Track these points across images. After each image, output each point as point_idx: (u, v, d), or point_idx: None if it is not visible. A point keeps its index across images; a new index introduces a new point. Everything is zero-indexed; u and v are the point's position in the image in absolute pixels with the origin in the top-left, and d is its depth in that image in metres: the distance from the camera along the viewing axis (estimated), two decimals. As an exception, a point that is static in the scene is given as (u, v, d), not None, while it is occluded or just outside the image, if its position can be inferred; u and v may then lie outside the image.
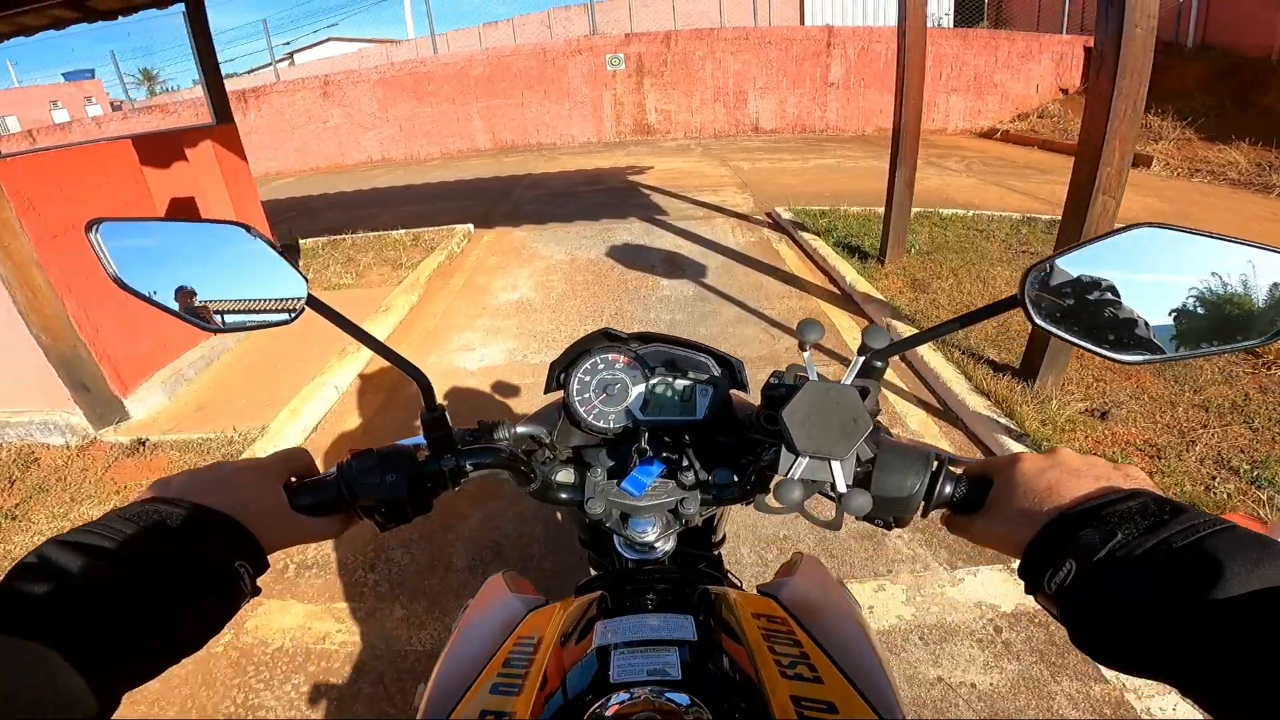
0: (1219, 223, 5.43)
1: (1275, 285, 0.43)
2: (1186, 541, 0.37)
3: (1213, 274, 0.44)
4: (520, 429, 0.69)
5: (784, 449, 0.51)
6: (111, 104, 22.86)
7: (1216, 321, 0.45)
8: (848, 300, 4.00)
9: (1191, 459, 2.31)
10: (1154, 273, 0.46)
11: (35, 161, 2.87)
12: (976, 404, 2.66)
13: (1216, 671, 0.33)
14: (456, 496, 0.82)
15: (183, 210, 3.76)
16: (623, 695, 0.47)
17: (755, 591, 0.71)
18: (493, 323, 3.92)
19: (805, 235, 5.02)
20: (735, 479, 0.65)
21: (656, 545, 0.70)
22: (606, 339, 0.73)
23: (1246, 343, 0.45)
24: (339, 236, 5.95)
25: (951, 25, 13.92)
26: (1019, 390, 2.72)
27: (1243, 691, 0.32)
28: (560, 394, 0.74)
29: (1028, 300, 0.49)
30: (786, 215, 5.58)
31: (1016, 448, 2.38)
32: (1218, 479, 2.19)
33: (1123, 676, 1.57)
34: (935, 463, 0.53)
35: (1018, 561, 0.46)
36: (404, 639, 1.83)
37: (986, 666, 1.65)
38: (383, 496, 0.57)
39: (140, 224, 0.53)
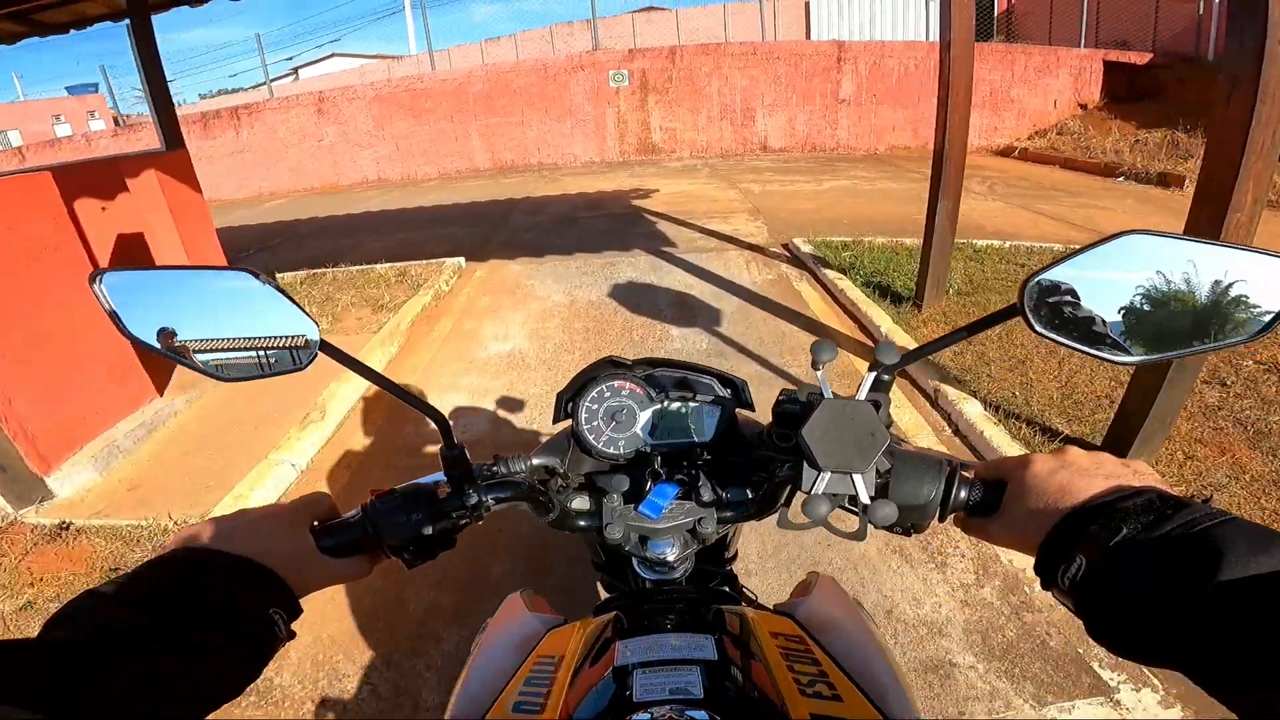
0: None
1: (1255, 284, 0.46)
2: (1188, 532, 0.38)
3: (1199, 275, 0.47)
4: (535, 460, 0.72)
5: (806, 465, 0.52)
6: (114, 119, 22.73)
7: (1204, 320, 0.48)
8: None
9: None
10: (1145, 277, 0.49)
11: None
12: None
13: (1219, 656, 0.35)
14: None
15: (126, 255, 3.31)
16: (644, 716, 0.47)
17: (772, 610, 0.72)
18: (479, 382, 3.44)
19: (829, 273, 4.54)
20: (749, 495, 0.67)
21: (676, 566, 0.70)
22: (612, 366, 0.74)
23: (1233, 339, 0.48)
24: (320, 270, 5.49)
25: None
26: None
27: (1244, 674, 0.34)
28: (568, 423, 0.75)
29: (1027, 309, 0.51)
30: (806, 248, 5.10)
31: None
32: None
33: None
34: (949, 469, 0.55)
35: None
36: None
37: None
38: (410, 535, 0.58)
39: (143, 273, 0.54)
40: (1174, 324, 0.48)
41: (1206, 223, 1.97)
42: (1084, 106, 11.97)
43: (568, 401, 0.75)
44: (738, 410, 0.74)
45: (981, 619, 1.85)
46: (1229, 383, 2.93)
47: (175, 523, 2.44)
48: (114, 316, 0.49)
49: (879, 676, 0.57)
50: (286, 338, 0.53)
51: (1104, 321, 0.50)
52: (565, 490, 0.70)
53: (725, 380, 0.74)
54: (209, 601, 0.43)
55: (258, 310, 0.53)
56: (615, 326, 4.04)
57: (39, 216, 2.71)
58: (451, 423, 0.61)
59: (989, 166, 9.78)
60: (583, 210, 7.76)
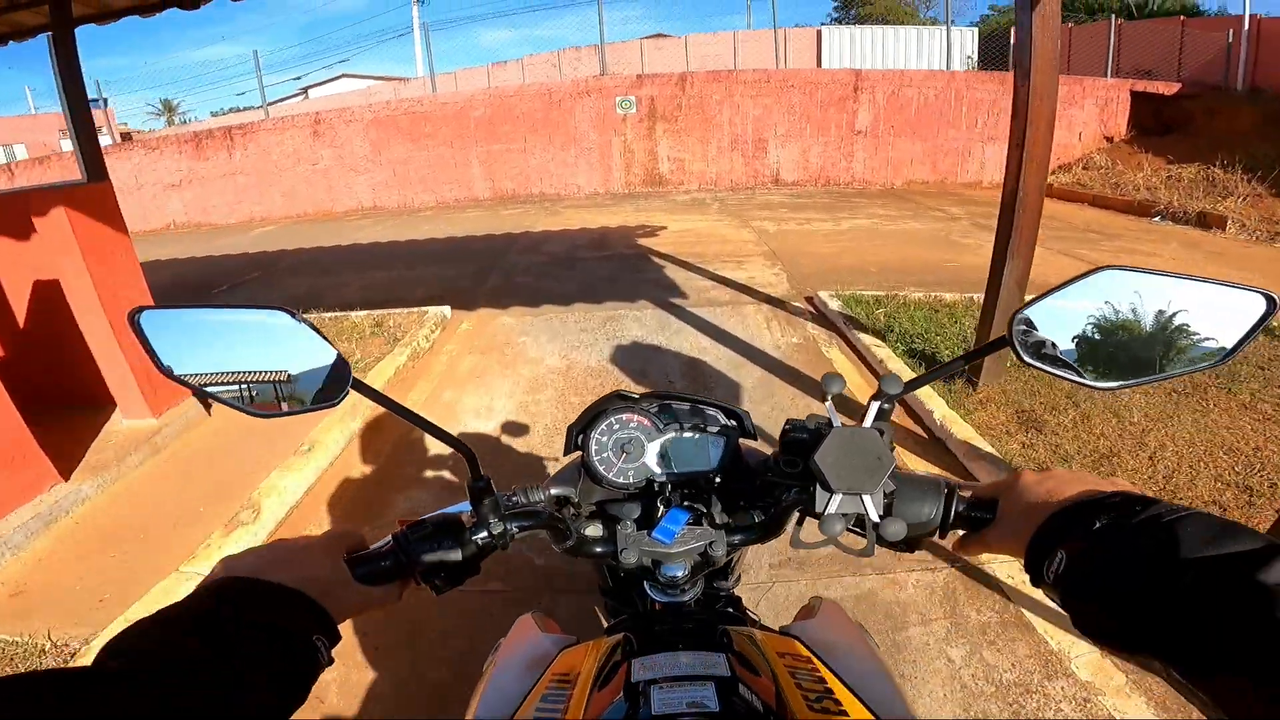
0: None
1: (1221, 313, 0.51)
2: (1153, 526, 0.42)
3: (1170, 306, 0.52)
4: (552, 490, 0.74)
5: (818, 488, 0.56)
6: (122, 134, 22.45)
7: (1174, 347, 0.53)
8: (939, 447, 2.92)
9: None
10: (1121, 308, 0.54)
11: None
12: None
13: (1185, 639, 0.36)
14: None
15: (31, 304, 2.74)
16: None
17: (778, 632, 0.73)
18: (454, 478, 2.85)
19: (863, 338, 3.96)
20: (757, 519, 0.71)
21: (686, 589, 0.72)
22: (619, 399, 0.76)
23: (1202, 365, 0.53)
24: (290, 318, 4.92)
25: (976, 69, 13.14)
26: None
27: (1208, 654, 0.35)
28: (578, 454, 0.78)
29: (1015, 341, 0.56)
30: (834, 304, 4.53)
31: None
32: None
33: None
34: (948, 489, 0.59)
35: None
36: None
37: None
38: (441, 562, 0.60)
39: (182, 311, 0.55)
40: (1148, 351, 0.54)
41: None
42: (1110, 139, 11.48)
43: (578, 434, 0.77)
44: (741, 440, 0.77)
45: None
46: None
47: (53, 644, 1.99)
48: (151, 353, 0.52)
49: (884, 695, 0.59)
50: (319, 374, 0.57)
51: (1085, 351, 0.56)
52: (579, 518, 0.74)
53: (729, 412, 0.77)
54: (258, 628, 0.44)
55: (292, 348, 0.57)
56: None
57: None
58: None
59: (1016, 204, 9.25)
60: (584, 249, 7.22)
